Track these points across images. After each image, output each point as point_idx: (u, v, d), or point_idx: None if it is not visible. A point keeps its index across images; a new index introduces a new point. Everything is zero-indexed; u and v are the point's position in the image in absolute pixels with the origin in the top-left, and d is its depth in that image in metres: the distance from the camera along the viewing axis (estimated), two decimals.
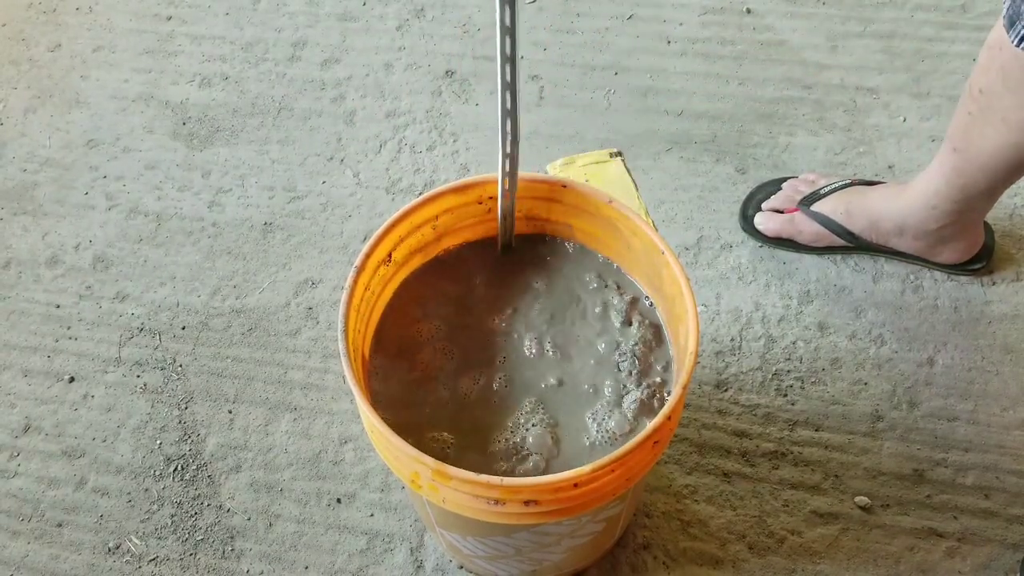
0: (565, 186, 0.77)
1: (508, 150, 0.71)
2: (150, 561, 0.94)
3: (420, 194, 1.17)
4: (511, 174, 0.73)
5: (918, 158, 1.18)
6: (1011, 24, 0.77)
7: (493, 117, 1.25)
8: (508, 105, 0.68)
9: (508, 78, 0.66)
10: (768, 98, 1.25)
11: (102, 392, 1.05)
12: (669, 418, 0.65)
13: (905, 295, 1.07)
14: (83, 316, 1.11)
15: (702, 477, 0.96)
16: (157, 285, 1.13)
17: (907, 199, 1.01)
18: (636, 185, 0.84)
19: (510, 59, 0.65)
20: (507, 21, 0.63)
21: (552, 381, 0.76)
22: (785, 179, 1.14)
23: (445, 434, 0.73)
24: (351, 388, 0.67)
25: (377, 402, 0.75)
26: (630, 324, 0.78)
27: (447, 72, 1.30)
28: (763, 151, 1.20)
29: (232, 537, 0.95)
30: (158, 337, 1.09)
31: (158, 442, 1.01)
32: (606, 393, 0.75)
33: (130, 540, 0.95)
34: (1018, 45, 0.77)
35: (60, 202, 1.21)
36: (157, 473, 0.99)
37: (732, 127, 1.23)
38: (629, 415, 0.73)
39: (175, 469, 0.99)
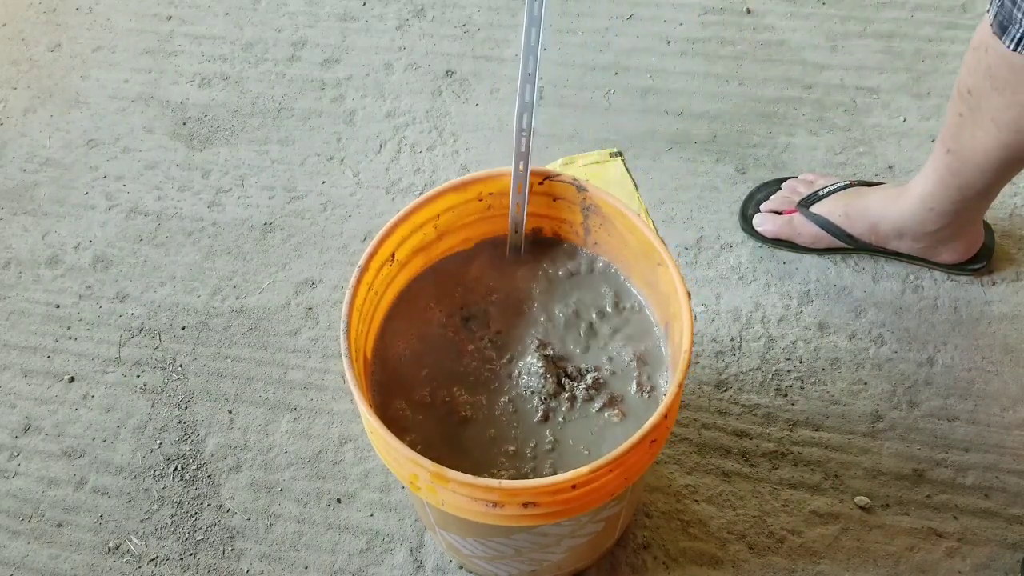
0: (565, 183, 0.77)
1: (523, 148, 0.71)
2: (150, 561, 0.94)
3: (420, 194, 1.17)
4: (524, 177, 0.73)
5: (918, 158, 1.18)
6: (1003, 30, 0.77)
7: (493, 117, 1.25)
8: (527, 98, 0.69)
9: (530, 71, 0.68)
10: (768, 98, 1.25)
11: (102, 392, 1.05)
12: (666, 417, 0.65)
13: (905, 295, 1.07)
14: (83, 316, 1.11)
15: (702, 477, 0.96)
16: (157, 285, 1.13)
17: (904, 202, 1.01)
18: (636, 185, 0.84)
19: (533, 49, 0.67)
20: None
21: (552, 380, 0.76)
22: (785, 179, 1.14)
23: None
24: (351, 389, 0.67)
25: (377, 403, 0.75)
26: (626, 322, 0.78)
27: (447, 72, 1.30)
28: (763, 151, 1.20)
29: (232, 537, 0.95)
30: (158, 337, 1.09)
31: (158, 442, 1.01)
32: (604, 392, 0.75)
33: (130, 540, 0.95)
34: (1014, 49, 0.77)
35: (60, 202, 1.21)
36: (157, 473, 0.99)
37: (732, 127, 1.23)
38: (628, 414, 0.73)
39: (175, 469, 0.99)
